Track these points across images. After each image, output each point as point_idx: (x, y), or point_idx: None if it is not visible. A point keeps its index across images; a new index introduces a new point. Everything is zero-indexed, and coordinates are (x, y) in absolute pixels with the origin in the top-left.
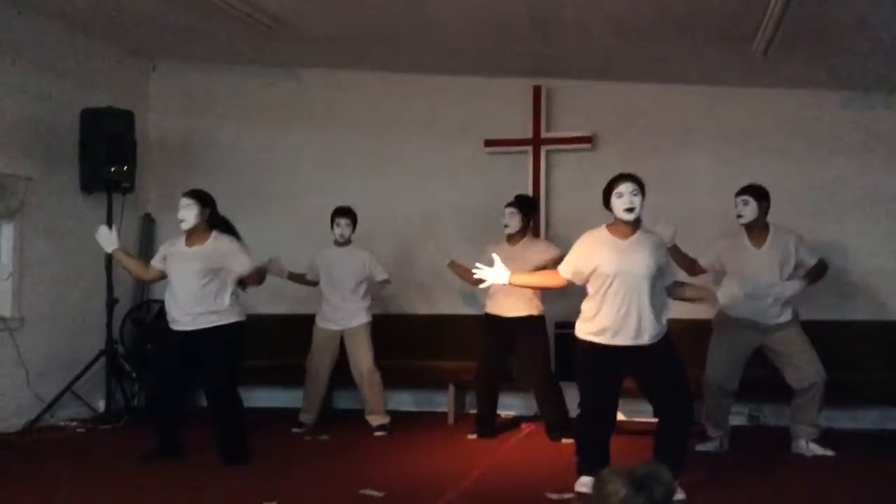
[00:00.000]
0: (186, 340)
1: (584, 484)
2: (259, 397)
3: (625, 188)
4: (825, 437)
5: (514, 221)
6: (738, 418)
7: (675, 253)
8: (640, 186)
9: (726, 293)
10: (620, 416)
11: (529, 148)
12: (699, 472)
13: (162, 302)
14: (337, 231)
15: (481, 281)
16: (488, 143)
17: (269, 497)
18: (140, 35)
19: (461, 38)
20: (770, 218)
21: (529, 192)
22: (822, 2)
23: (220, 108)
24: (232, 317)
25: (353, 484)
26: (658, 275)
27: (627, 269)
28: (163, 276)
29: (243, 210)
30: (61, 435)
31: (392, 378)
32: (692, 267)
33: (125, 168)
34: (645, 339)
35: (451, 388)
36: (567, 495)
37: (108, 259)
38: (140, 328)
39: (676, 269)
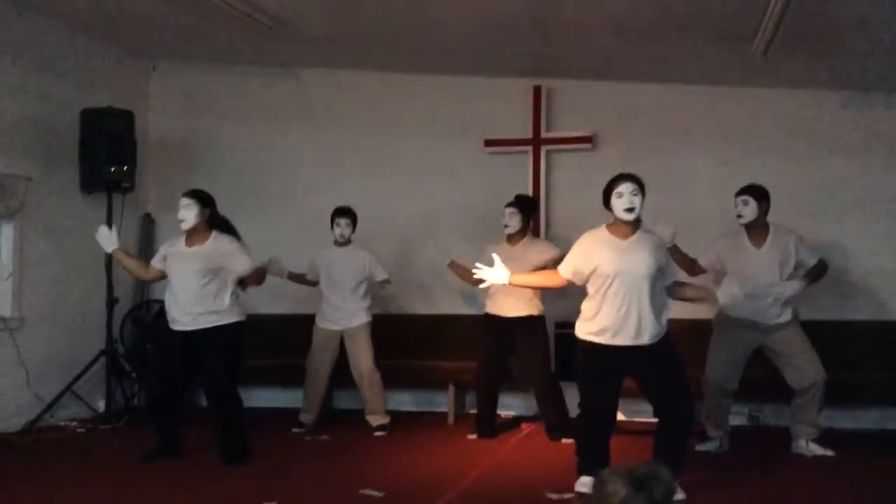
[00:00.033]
0: (186, 340)
1: (584, 484)
2: (259, 397)
3: (625, 188)
4: (825, 437)
5: (514, 221)
6: (738, 418)
7: (675, 253)
8: (640, 186)
9: (726, 293)
10: (620, 416)
11: (529, 148)
12: (699, 472)
13: (162, 302)
14: (337, 231)
15: (481, 281)
16: (488, 143)
17: (269, 497)
18: (140, 35)
19: (461, 38)
20: (770, 218)
21: (529, 192)
22: (822, 2)
23: (220, 108)
24: (232, 317)
25: (353, 484)
26: (658, 275)
27: (627, 269)
28: (163, 277)
29: (243, 210)
30: (61, 435)
31: (392, 378)
32: (692, 267)
33: (125, 168)
34: (645, 339)
35: (451, 388)
36: (567, 495)
37: (108, 259)
38: (140, 328)
39: (676, 268)
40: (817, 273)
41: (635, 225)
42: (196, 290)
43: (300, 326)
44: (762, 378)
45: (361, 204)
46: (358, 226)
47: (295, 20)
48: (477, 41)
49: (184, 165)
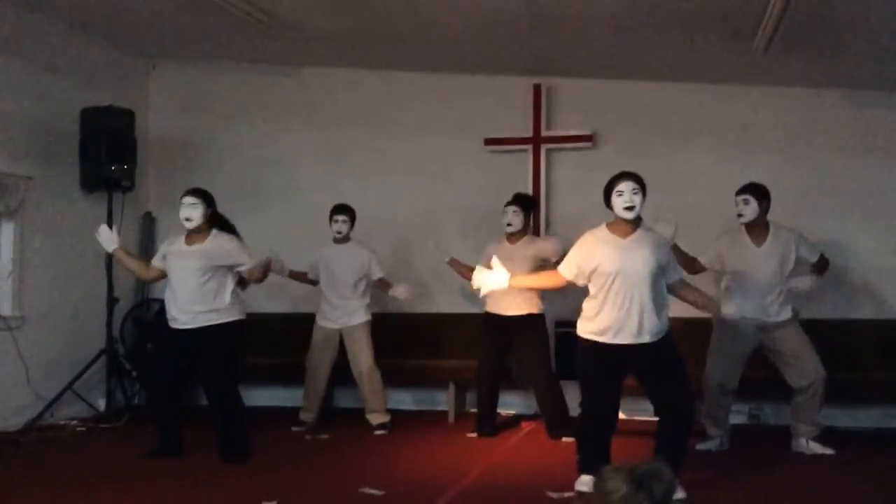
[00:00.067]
0: (186, 339)
1: (585, 483)
2: (259, 396)
3: (625, 186)
4: (825, 436)
5: (516, 220)
6: (738, 417)
7: (676, 251)
8: (641, 185)
9: (730, 306)
10: (621, 416)
11: (529, 146)
12: (699, 470)
13: (162, 301)
14: (335, 227)
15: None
16: (488, 141)
17: (269, 496)
18: (140, 34)
19: (461, 37)
20: (770, 217)
21: (529, 190)
22: (823, 1)
23: (221, 106)
24: (232, 315)
25: (353, 482)
26: (659, 273)
27: (628, 268)
28: (163, 276)
29: (243, 209)
30: (62, 434)
31: (392, 377)
32: (692, 265)
33: (125, 167)
34: (646, 338)
35: (452, 387)
36: (567, 494)
37: (109, 258)
38: (140, 327)
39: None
40: (822, 267)
41: (636, 223)
42: (196, 289)
43: (300, 325)
44: (762, 377)
45: (361, 202)
46: (358, 224)
47: (295, 19)
48: (477, 40)
49: (184, 164)
